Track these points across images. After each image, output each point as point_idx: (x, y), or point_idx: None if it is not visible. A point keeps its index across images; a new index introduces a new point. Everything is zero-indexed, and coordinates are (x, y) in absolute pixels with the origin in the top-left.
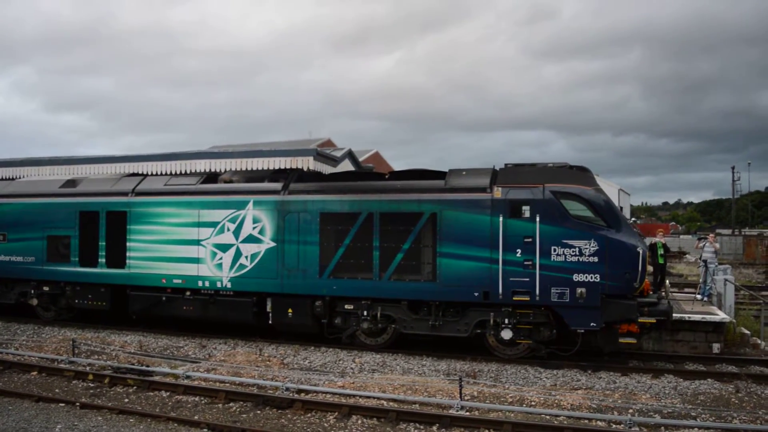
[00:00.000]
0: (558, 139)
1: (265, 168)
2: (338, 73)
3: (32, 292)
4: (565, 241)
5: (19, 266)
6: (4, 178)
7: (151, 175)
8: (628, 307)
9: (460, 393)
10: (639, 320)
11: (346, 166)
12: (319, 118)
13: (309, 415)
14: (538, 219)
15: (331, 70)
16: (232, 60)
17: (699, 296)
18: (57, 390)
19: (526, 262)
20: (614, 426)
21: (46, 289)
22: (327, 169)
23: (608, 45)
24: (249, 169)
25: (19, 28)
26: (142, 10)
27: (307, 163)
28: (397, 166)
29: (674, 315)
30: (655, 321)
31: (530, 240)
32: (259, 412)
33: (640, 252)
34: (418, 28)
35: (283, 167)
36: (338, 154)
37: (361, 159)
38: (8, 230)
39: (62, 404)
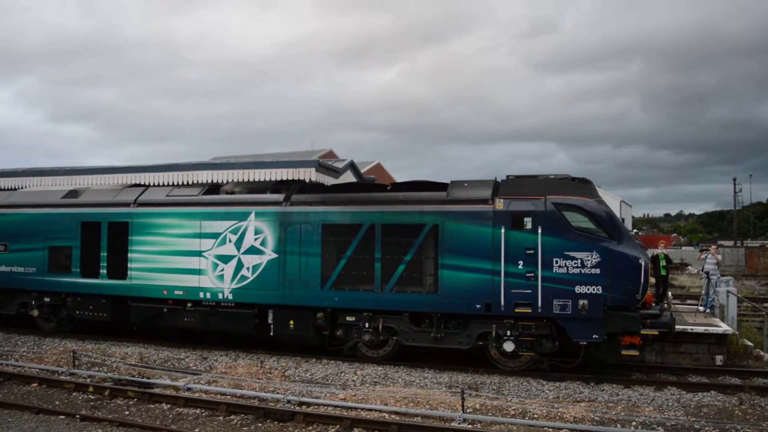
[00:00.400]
0: (559, 151)
1: (267, 179)
2: (340, 85)
3: (33, 303)
4: (567, 252)
5: (20, 277)
6: (5, 188)
7: (153, 185)
8: (630, 319)
9: (463, 405)
10: (641, 332)
11: (348, 177)
12: (321, 130)
13: (310, 427)
14: (540, 231)
15: (333, 82)
16: (233, 72)
17: (701, 308)
18: (57, 402)
19: (528, 274)
20: None
21: (47, 300)
22: (329, 180)
23: (608, 57)
24: (251, 180)
25: (24, 39)
26: (145, 23)
27: (309, 175)
28: (399, 177)
29: (677, 327)
30: (657, 333)
31: (532, 252)
32: (260, 424)
33: (642, 264)
34: (418, 40)
35: (285, 178)
36: (340, 165)
37: (363, 170)
38: (9, 241)
39: (62, 416)
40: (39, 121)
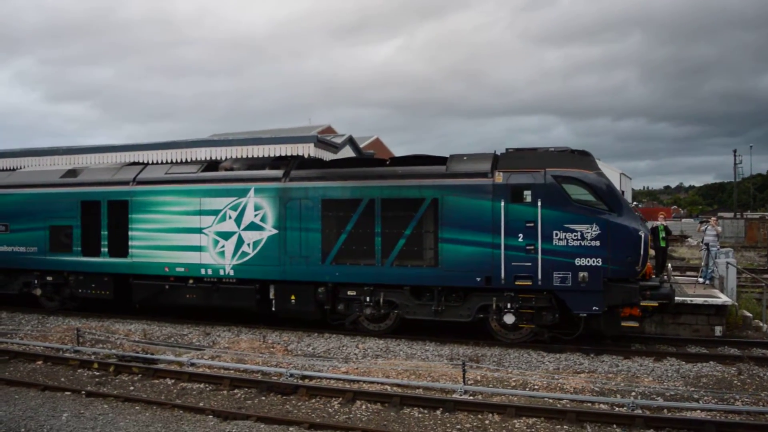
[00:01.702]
0: (558, 124)
1: (266, 155)
2: (338, 61)
3: (36, 282)
4: (566, 225)
5: (22, 256)
6: (5, 168)
7: (152, 163)
8: (630, 290)
9: (464, 377)
10: (641, 304)
11: (347, 152)
12: (320, 106)
13: (313, 400)
14: (539, 203)
15: (331, 58)
16: (231, 49)
17: (701, 279)
18: (63, 379)
19: (528, 247)
20: (617, 409)
21: (49, 278)
22: (328, 155)
23: (607, 30)
24: (249, 156)
25: (22, 19)
26: (144, 2)
27: (308, 150)
28: (398, 152)
29: (676, 298)
30: (657, 304)
31: (532, 224)
32: (263, 398)
33: (642, 235)
34: (416, 15)
35: (283, 154)
36: (339, 140)
37: (361, 145)
38: (10, 221)
39: (68, 393)
40: (37, 102)
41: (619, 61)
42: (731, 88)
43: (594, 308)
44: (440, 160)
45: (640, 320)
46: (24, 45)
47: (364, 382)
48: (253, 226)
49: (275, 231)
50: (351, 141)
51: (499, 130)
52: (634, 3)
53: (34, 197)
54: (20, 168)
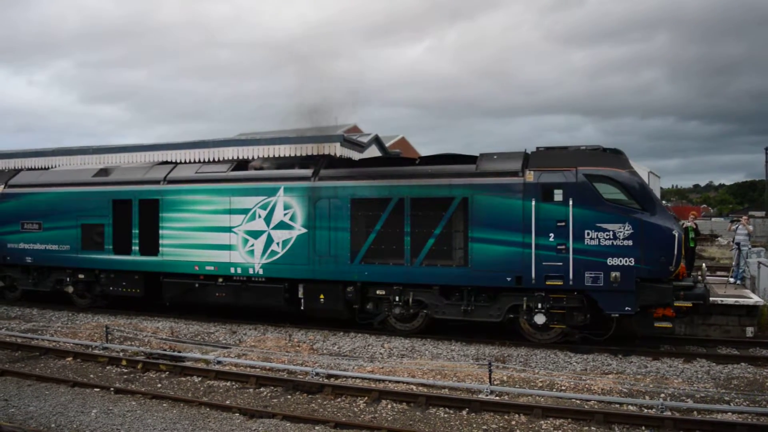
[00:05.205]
0: (585, 123)
1: (292, 155)
2: (367, 61)
3: (68, 279)
4: (598, 224)
5: (55, 254)
6: (37, 167)
7: (181, 163)
8: (663, 290)
9: (490, 378)
10: (675, 304)
11: (373, 151)
12: (347, 106)
13: (339, 399)
14: (571, 202)
15: (361, 58)
16: (264, 51)
17: (732, 279)
18: (92, 375)
19: (559, 247)
20: (646, 410)
21: (81, 276)
22: (354, 154)
23: (634, 29)
24: (276, 155)
25: (62, 23)
26: (181, 6)
27: (334, 149)
28: (424, 151)
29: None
30: (691, 305)
31: (563, 224)
32: (289, 396)
33: (676, 235)
34: (446, 16)
35: (310, 153)
36: (365, 139)
37: (387, 144)
38: (43, 219)
39: (97, 389)
40: (73, 103)
41: (646, 60)
42: (762, 85)
43: (626, 308)
44: (470, 159)
45: (674, 321)
46: (63, 48)
47: (390, 381)
48: (282, 225)
49: (304, 230)
50: (377, 140)
51: (525, 130)
52: (661, 2)
53: (66, 196)
54: (53, 167)
